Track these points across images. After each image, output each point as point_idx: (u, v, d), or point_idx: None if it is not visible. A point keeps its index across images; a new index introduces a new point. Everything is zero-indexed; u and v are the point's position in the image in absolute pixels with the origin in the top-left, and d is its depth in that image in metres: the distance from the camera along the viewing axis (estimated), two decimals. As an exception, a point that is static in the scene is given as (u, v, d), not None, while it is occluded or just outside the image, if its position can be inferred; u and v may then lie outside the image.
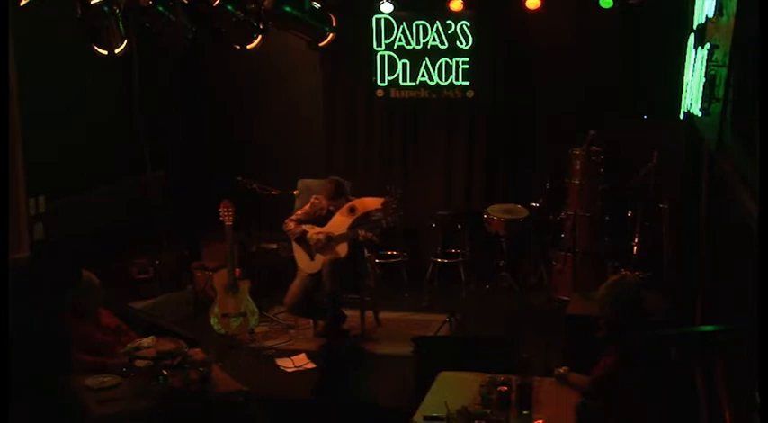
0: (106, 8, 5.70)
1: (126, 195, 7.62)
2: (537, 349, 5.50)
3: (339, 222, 6.71)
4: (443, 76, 8.02)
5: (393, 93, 8.16)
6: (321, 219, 6.78)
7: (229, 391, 4.78)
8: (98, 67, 6.67)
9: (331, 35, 6.68)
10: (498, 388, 4.23)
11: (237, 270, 6.67)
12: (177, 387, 4.66)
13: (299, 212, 6.90)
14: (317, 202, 6.86)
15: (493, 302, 7.53)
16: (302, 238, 6.73)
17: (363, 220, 6.72)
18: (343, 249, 6.66)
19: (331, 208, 6.78)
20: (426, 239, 8.14)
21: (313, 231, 6.71)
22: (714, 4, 3.16)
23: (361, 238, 6.67)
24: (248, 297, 6.67)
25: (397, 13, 7.89)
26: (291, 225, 6.78)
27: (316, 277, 6.70)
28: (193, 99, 8.63)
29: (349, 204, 6.76)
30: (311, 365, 6.27)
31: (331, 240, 6.66)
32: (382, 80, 8.12)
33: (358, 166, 8.30)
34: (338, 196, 6.78)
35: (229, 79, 8.50)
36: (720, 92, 2.86)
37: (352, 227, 6.68)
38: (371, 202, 6.80)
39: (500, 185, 8.12)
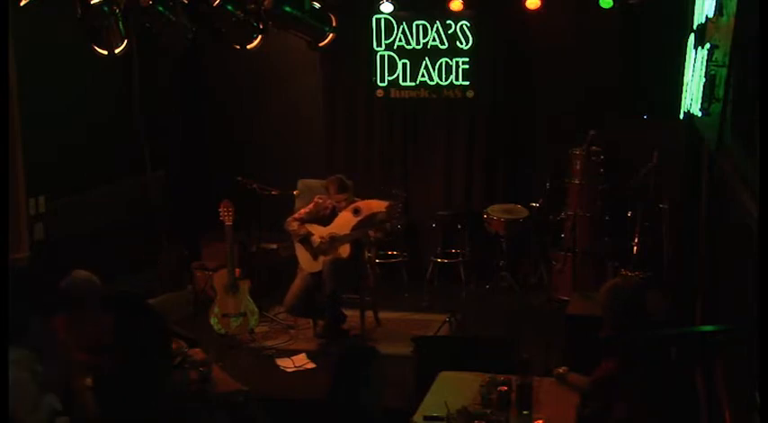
0: (106, 8, 5.70)
1: (126, 195, 7.62)
2: (537, 349, 5.49)
3: (343, 223, 6.70)
4: (443, 76, 8.02)
5: (393, 93, 8.16)
6: (325, 218, 6.78)
7: (229, 391, 4.78)
8: (98, 67, 6.67)
9: (331, 35, 6.68)
10: (498, 388, 4.23)
11: (237, 270, 6.67)
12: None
13: (302, 211, 6.90)
14: (320, 201, 6.85)
15: (493, 302, 7.53)
16: (306, 239, 6.73)
17: (368, 221, 6.71)
18: (345, 250, 6.66)
19: (336, 208, 6.76)
20: (426, 239, 8.13)
21: (317, 233, 6.71)
22: (714, 4, 3.16)
23: (372, 238, 6.66)
24: (248, 297, 6.67)
25: (397, 13, 7.89)
26: (295, 225, 6.77)
27: (317, 276, 6.70)
28: (193, 99, 8.63)
29: (353, 205, 6.75)
30: (311, 365, 6.27)
31: (335, 241, 6.66)
32: (382, 80, 8.12)
33: (358, 166, 8.30)
34: (344, 191, 6.76)
35: (229, 79, 8.50)
36: (720, 92, 2.86)
37: (356, 228, 6.68)
38: (377, 205, 6.80)
39: (500, 185, 8.12)
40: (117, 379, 3.98)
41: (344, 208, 6.74)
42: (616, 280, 4.48)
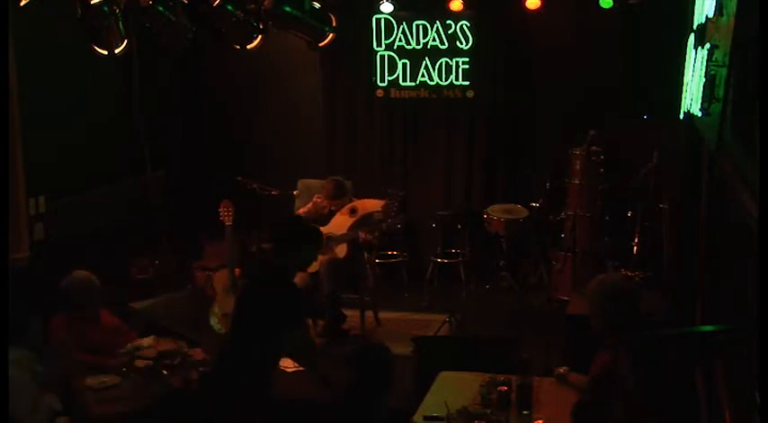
0: (106, 8, 5.71)
1: (126, 195, 7.62)
2: (537, 349, 5.49)
3: (339, 223, 6.71)
4: (443, 76, 8.02)
5: (393, 93, 8.16)
6: (323, 218, 6.79)
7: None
8: (98, 67, 6.67)
9: (331, 35, 6.68)
10: (498, 388, 4.23)
11: (237, 270, 6.66)
12: (177, 387, 4.66)
13: (300, 211, 6.91)
14: (318, 201, 6.86)
15: (493, 302, 7.53)
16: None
17: (364, 221, 6.73)
18: (342, 250, 6.66)
19: (332, 208, 6.79)
20: (426, 239, 8.13)
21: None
22: (714, 4, 3.16)
23: (361, 240, 6.67)
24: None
25: (397, 13, 7.89)
26: (293, 224, 6.78)
27: (315, 276, 6.70)
28: (193, 99, 8.63)
29: (350, 205, 6.77)
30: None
31: (330, 241, 6.66)
32: (382, 80, 8.12)
33: (358, 166, 8.30)
34: (339, 196, 6.78)
35: (229, 79, 8.50)
36: (720, 92, 2.86)
37: (352, 228, 6.68)
38: (372, 204, 6.82)
39: (500, 185, 8.12)
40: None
41: (342, 207, 6.76)
42: (604, 276, 4.43)
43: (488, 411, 4.10)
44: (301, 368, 6.22)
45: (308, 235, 4.52)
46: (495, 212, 7.57)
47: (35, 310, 4.56)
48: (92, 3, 5.59)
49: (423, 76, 8.05)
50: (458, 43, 7.95)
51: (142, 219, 7.57)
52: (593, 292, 4.15)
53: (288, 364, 6.28)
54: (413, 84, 8.09)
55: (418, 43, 8.03)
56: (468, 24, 7.90)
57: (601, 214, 7.40)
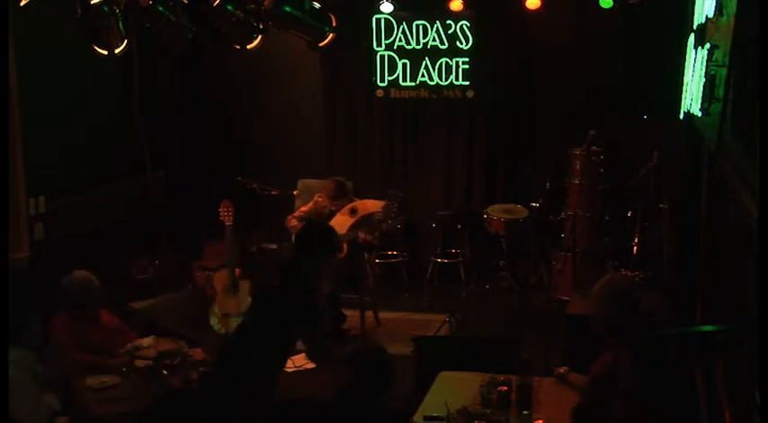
0: (106, 8, 5.71)
1: (126, 195, 7.62)
2: (537, 349, 5.49)
3: (340, 223, 6.71)
4: (443, 76, 8.02)
5: (393, 93, 8.16)
6: (324, 217, 6.79)
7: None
8: (98, 67, 6.68)
9: (331, 35, 6.69)
10: (498, 388, 4.23)
11: (237, 270, 6.66)
12: (177, 387, 4.67)
13: (302, 209, 6.92)
14: (320, 199, 6.87)
15: (493, 302, 7.53)
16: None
17: (364, 222, 6.73)
18: (342, 250, 6.66)
19: (333, 208, 6.79)
20: (426, 239, 8.14)
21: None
22: (714, 4, 3.16)
23: (360, 241, 6.67)
24: (248, 297, 6.67)
25: (397, 13, 7.89)
26: (294, 222, 6.78)
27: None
28: (193, 99, 8.63)
29: (350, 205, 6.78)
30: (311, 365, 6.26)
31: (331, 240, 6.66)
32: (382, 80, 8.12)
33: (358, 166, 8.30)
34: (340, 196, 6.78)
35: (229, 79, 8.50)
36: (720, 92, 2.86)
37: (352, 228, 6.68)
38: (373, 205, 6.82)
39: (500, 185, 8.12)
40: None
41: (342, 207, 6.76)
42: (608, 277, 4.43)
43: (488, 411, 4.10)
44: (301, 368, 6.26)
45: (332, 247, 4.54)
46: (495, 212, 7.57)
47: (35, 310, 4.57)
48: (92, 3, 5.59)
49: (423, 76, 8.05)
50: (458, 43, 7.95)
51: (142, 219, 7.57)
52: (600, 294, 4.15)
53: (288, 365, 6.28)
54: (413, 84, 8.10)
55: (418, 43, 8.03)
56: (468, 24, 7.90)
57: (601, 214, 7.40)
